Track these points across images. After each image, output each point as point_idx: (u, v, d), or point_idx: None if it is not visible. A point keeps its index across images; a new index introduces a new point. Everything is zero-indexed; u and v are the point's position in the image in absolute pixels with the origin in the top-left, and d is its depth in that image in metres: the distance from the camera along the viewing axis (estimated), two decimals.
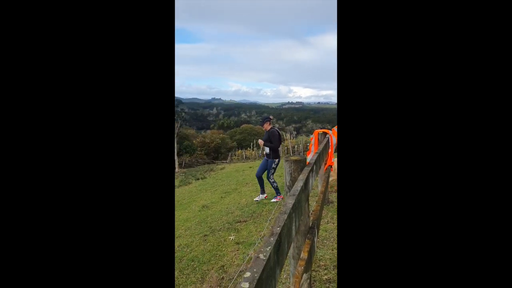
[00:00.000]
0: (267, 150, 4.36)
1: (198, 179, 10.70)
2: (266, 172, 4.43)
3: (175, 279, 2.61)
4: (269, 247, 0.69)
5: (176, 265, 2.88)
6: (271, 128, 4.39)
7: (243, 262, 2.56)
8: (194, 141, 27.77)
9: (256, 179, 4.68)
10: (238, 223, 3.67)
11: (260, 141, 4.42)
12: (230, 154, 24.52)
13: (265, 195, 4.69)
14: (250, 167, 10.50)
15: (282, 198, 4.50)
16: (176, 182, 11.26)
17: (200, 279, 2.53)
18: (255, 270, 0.59)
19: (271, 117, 4.54)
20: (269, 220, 3.44)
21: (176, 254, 3.15)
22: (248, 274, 0.58)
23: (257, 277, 0.57)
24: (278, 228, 0.84)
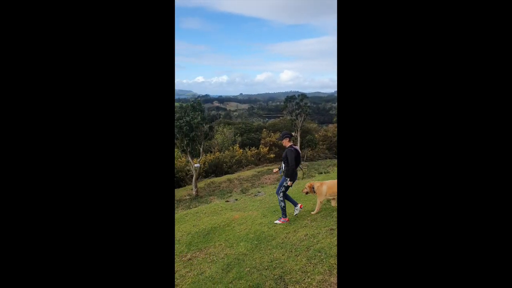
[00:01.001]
0: (283, 167, 3.96)
1: (321, 173, 10.66)
2: (284, 190, 4.06)
3: (303, 266, 2.71)
4: None
5: (303, 253, 2.99)
6: (289, 146, 3.89)
7: None
8: (316, 135, 27.84)
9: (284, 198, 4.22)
10: None
11: (275, 170, 4.13)
12: None
13: (300, 204, 4.29)
14: None
15: (288, 221, 4.09)
16: (299, 174, 11.61)
17: (328, 272, 2.53)
18: None
19: (293, 133, 4.05)
20: None
21: (303, 243, 3.27)
22: None
23: None
24: None
